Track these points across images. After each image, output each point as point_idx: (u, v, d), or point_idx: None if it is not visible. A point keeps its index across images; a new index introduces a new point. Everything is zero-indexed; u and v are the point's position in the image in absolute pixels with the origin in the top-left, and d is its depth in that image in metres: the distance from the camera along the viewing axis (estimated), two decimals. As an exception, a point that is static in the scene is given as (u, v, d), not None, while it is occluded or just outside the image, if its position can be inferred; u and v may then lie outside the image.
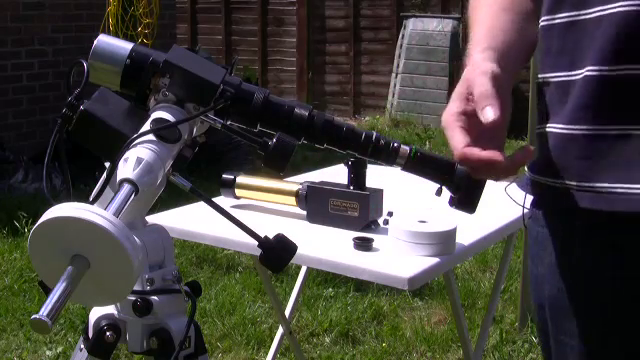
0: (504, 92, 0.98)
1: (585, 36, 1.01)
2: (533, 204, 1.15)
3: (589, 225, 1.05)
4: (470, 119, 0.97)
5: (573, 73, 1.03)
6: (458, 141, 0.96)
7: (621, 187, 0.99)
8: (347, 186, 1.82)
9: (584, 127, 1.01)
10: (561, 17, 1.05)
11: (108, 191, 1.05)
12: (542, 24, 1.09)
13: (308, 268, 2.56)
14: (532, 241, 1.16)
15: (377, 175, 1.90)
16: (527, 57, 1.13)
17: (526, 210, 1.18)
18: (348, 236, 1.71)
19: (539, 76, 1.11)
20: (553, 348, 1.14)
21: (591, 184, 1.01)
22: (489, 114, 0.93)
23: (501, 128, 0.98)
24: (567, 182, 1.04)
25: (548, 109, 1.09)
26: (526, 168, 1.15)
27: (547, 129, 1.08)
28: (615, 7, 0.97)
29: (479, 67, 1.00)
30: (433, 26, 7.69)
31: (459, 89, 1.00)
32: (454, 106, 0.99)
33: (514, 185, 1.19)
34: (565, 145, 1.04)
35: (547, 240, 1.11)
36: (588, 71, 1.00)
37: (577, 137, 1.02)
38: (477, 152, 0.94)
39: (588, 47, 1.01)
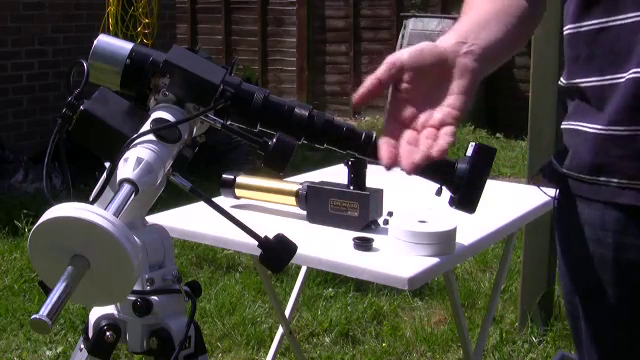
0: (426, 66, 0.98)
1: (621, 40, 1.02)
2: (560, 195, 1.17)
3: (624, 218, 1.07)
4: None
5: (613, 77, 1.04)
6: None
7: None
8: (347, 186, 1.82)
9: (628, 127, 1.02)
10: (589, 24, 1.06)
11: (108, 191, 1.05)
12: (567, 32, 1.10)
13: (308, 268, 2.55)
14: (561, 230, 1.19)
15: (377, 175, 1.90)
16: (509, 48, 1.12)
17: (554, 199, 1.20)
18: (348, 236, 1.71)
19: (564, 81, 1.13)
20: (584, 332, 1.15)
21: (635, 182, 1.03)
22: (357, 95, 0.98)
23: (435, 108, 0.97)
24: (606, 179, 1.06)
25: (578, 109, 1.10)
26: (553, 159, 1.17)
27: (581, 127, 1.10)
28: None
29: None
30: (433, 26, 7.68)
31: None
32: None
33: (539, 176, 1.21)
34: (605, 144, 1.05)
35: (578, 227, 1.13)
36: (633, 73, 1.01)
37: (620, 137, 1.03)
38: (383, 147, 0.96)
39: (629, 51, 1.01)
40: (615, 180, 1.05)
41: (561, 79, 1.15)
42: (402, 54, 0.98)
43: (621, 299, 1.10)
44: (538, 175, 1.23)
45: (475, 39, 1.02)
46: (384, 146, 0.94)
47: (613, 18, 1.03)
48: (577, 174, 1.11)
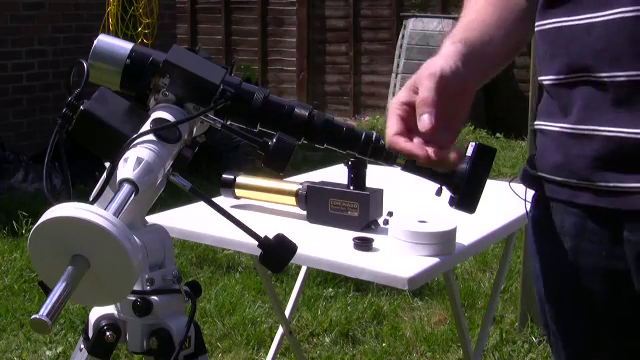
0: (453, 91, 1.01)
1: (576, 40, 1.02)
2: (533, 199, 1.17)
3: (581, 222, 1.06)
4: (413, 110, 1.01)
5: (572, 76, 1.04)
6: (390, 127, 1.01)
7: (621, 186, 1.00)
8: (347, 186, 1.82)
9: (587, 127, 1.02)
10: (552, 22, 1.06)
11: (108, 191, 1.05)
12: (536, 29, 1.11)
13: (308, 268, 2.56)
14: (531, 236, 1.18)
15: (377, 175, 1.90)
16: (509, 54, 1.15)
17: (528, 202, 1.19)
18: (348, 236, 1.71)
19: (538, 78, 1.13)
20: (552, 340, 1.16)
21: (591, 182, 1.02)
22: (424, 122, 0.97)
23: (446, 127, 1.01)
24: (566, 179, 1.06)
25: (545, 108, 1.10)
26: (526, 163, 1.17)
27: (545, 127, 1.09)
28: (610, 14, 0.98)
29: (433, 64, 1.02)
30: (433, 26, 7.68)
31: (411, 80, 1.03)
32: (401, 95, 1.02)
33: (516, 180, 1.20)
34: (568, 143, 1.05)
35: (542, 232, 1.13)
36: (587, 76, 1.01)
37: (581, 136, 1.03)
38: (401, 142, 1.00)
39: (583, 51, 1.01)
40: (573, 180, 1.05)
41: (537, 78, 1.15)
42: (445, 71, 1.00)
43: (581, 305, 1.09)
44: (515, 178, 1.22)
45: (476, 61, 1.05)
46: (417, 146, 0.98)
47: (571, 18, 1.03)
48: (542, 174, 1.11)
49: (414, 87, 1.01)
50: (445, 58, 1.03)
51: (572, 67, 1.03)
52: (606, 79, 0.99)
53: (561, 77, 1.05)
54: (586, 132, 1.02)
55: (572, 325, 1.11)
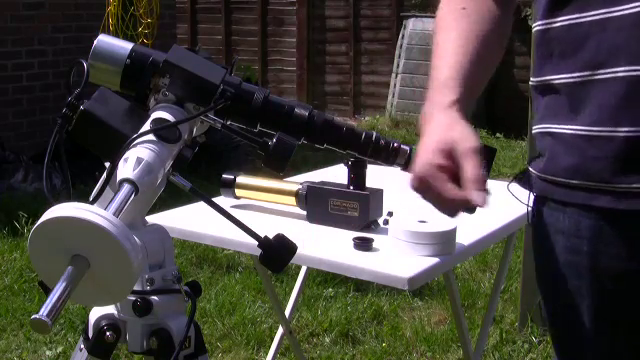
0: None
1: (591, 37, 1.01)
2: (536, 201, 1.16)
3: (598, 225, 1.06)
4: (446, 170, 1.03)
5: (588, 74, 1.02)
6: (453, 191, 1.04)
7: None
8: (347, 186, 1.82)
9: (606, 128, 1.01)
10: (561, 20, 1.05)
11: (108, 191, 1.05)
12: (538, 28, 1.10)
13: (308, 268, 2.56)
14: (538, 237, 1.17)
15: (377, 175, 1.90)
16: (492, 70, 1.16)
17: (530, 207, 1.19)
18: (348, 236, 1.71)
19: (533, 79, 1.12)
20: (566, 340, 1.15)
21: (610, 185, 1.01)
22: (479, 200, 1.00)
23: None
24: (581, 182, 1.05)
25: (550, 110, 1.09)
26: (529, 167, 1.16)
27: (553, 129, 1.08)
28: (626, 9, 0.97)
29: (463, 136, 1.02)
30: (433, 26, 7.68)
31: (438, 145, 1.03)
32: (435, 158, 1.03)
33: (515, 183, 1.19)
34: (582, 146, 1.04)
35: (553, 235, 1.12)
36: (618, 72, 0.99)
37: (597, 138, 1.02)
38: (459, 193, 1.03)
39: (599, 48, 1.00)
40: (590, 183, 1.04)
41: (531, 78, 1.14)
42: (478, 166, 1.02)
43: (600, 306, 1.09)
44: (513, 181, 1.22)
45: (468, 103, 1.07)
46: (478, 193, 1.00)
47: (582, 15, 1.02)
48: (553, 177, 1.09)
49: (447, 152, 1.02)
50: (462, 125, 1.04)
51: (588, 64, 1.02)
52: (623, 74, 0.98)
53: (575, 75, 1.04)
54: (603, 134, 1.01)
55: (589, 326, 1.10)
